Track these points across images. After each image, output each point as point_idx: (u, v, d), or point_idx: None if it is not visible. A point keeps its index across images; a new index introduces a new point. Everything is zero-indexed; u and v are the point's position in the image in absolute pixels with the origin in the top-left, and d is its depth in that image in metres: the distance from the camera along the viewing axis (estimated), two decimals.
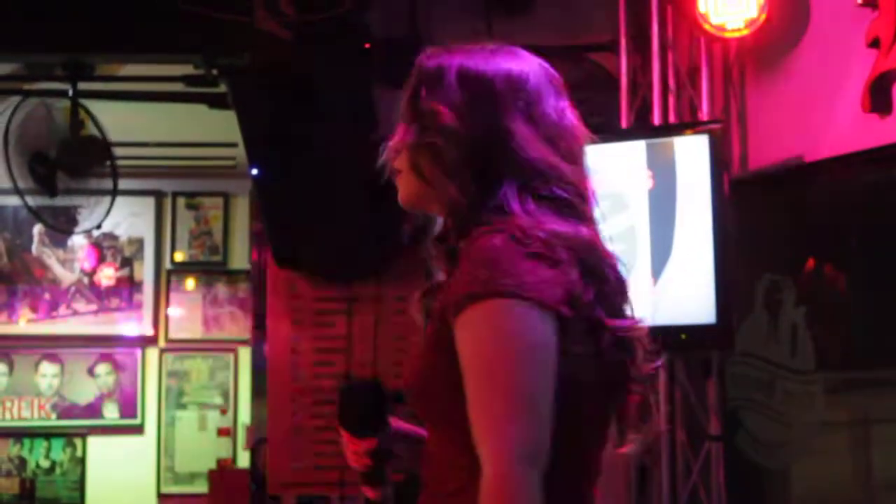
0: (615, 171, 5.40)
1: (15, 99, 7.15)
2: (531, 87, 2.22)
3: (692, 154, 5.23)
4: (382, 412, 2.37)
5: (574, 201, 2.16)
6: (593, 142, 2.28)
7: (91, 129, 6.88)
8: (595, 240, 2.16)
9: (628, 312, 2.17)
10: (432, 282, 2.26)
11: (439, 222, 2.28)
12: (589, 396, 2.09)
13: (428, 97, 2.21)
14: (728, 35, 5.21)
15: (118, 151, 7.17)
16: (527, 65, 2.27)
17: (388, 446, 2.37)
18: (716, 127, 5.27)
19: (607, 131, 5.67)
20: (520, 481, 1.90)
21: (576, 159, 2.22)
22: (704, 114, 5.43)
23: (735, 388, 5.39)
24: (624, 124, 5.67)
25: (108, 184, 6.98)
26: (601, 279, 2.10)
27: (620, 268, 2.18)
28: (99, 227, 7.17)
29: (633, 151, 5.37)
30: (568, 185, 2.17)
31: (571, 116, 2.26)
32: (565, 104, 2.26)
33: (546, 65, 2.30)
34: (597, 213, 2.22)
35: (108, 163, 6.98)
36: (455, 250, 2.17)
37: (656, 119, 5.56)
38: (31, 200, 7.02)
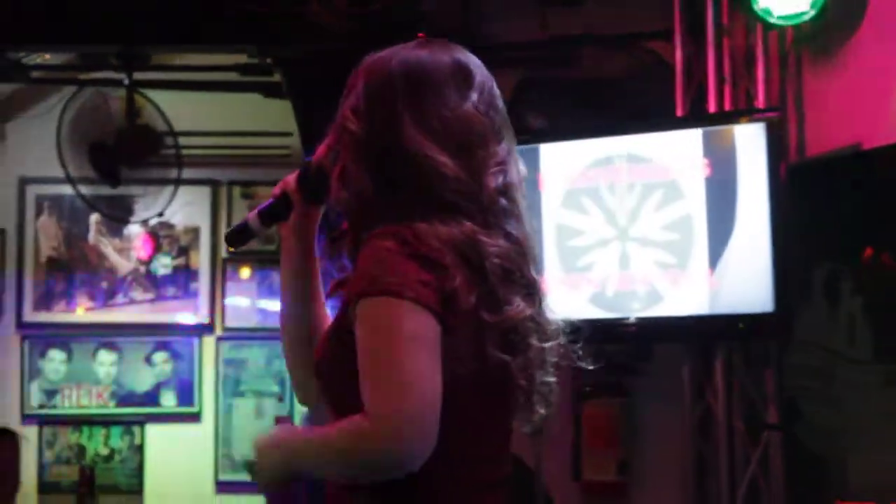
0: (670, 160, 5.38)
1: (70, 89, 7.21)
2: (430, 82, 2.31)
3: (749, 142, 5.20)
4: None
5: (460, 200, 2.26)
6: (497, 136, 2.34)
7: (150, 119, 6.93)
8: (477, 237, 2.24)
9: (516, 301, 2.28)
10: (346, 273, 2.39)
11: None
12: (476, 390, 2.24)
13: (344, 103, 2.37)
14: (784, 22, 5.18)
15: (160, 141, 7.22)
16: (434, 59, 2.34)
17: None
18: (773, 115, 5.24)
19: (662, 119, 5.66)
20: (386, 440, 2.07)
21: (467, 152, 2.29)
22: (760, 101, 5.40)
23: (793, 377, 5.36)
24: (679, 113, 5.65)
25: (170, 173, 7.04)
26: (485, 276, 2.23)
27: (502, 255, 2.26)
28: (161, 214, 7.22)
29: (689, 140, 5.35)
30: (457, 182, 2.25)
31: (470, 108, 2.31)
32: (470, 96, 2.32)
33: (462, 58, 2.37)
34: (492, 202, 2.29)
35: (174, 151, 7.03)
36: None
37: (712, 107, 5.53)
38: (92, 190, 7.08)
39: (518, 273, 2.31)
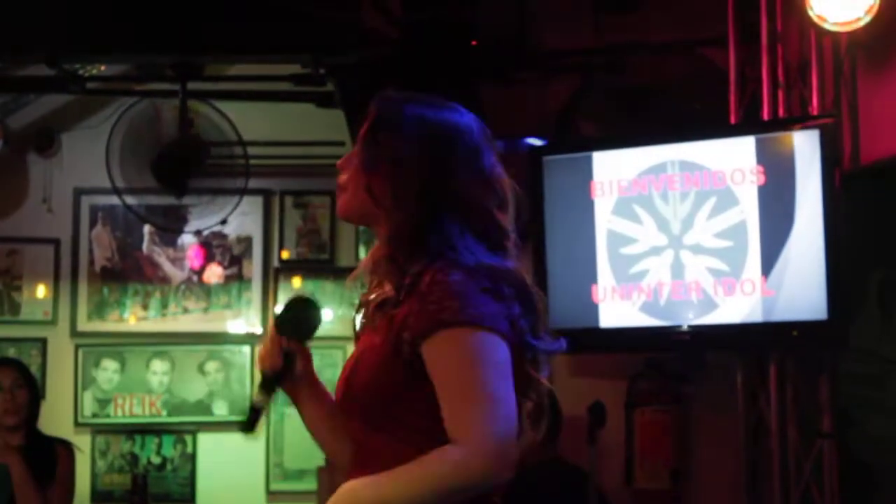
0: (723, 167, 5.37)
1: (125, 100, 7.27)
2: (473, 139, 2.55)
3: (803, 149, 5.18)
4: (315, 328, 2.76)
5: (503, 240, 2.53)
6: (516, 192, 2.60)
7: (212, 128, 6.98)
8: (524, 273, 2.52)
9: (544, 334, 2.52)
10: (383, 294, 2.54)
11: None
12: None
13: (387, 132, 2.54)
14: (838, 28, 5.15)
15: (225, 151, 7.26)
16: (469, 120, 2.59)
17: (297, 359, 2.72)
18: (827, 121, 5.23)
19: (716, 127, 5.65)
20: (486, 467, 2.25)
21: (503, 204, 2.55)
22: (814, 108, 5.38)
23: (847, 385, 5.33)
24: (732, 120, 5.64)
25: (236, 182, 7.09)
26: (532, 310, 2.49)
27: (537, 297, 2.52)
28: (224, 221, 7.25)
29: (742, 147, 5.34)
30: (497, 226, 2.53)
31: (500, 168, 2.58)
32: (495, 157, 2.58)
33: (481, 123, 2.62)
34: (515, 249, 2.57)
35: (242, 161, 7.08)
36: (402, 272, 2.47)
37: (766, 114, 5.52)
38: (142, 200, 7.14)
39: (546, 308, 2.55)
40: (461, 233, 2.46)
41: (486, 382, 2.29)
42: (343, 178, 2.60)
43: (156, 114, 7.08)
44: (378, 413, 2.45)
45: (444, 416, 2.31)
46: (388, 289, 2.52)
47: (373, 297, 2.56)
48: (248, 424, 2.68)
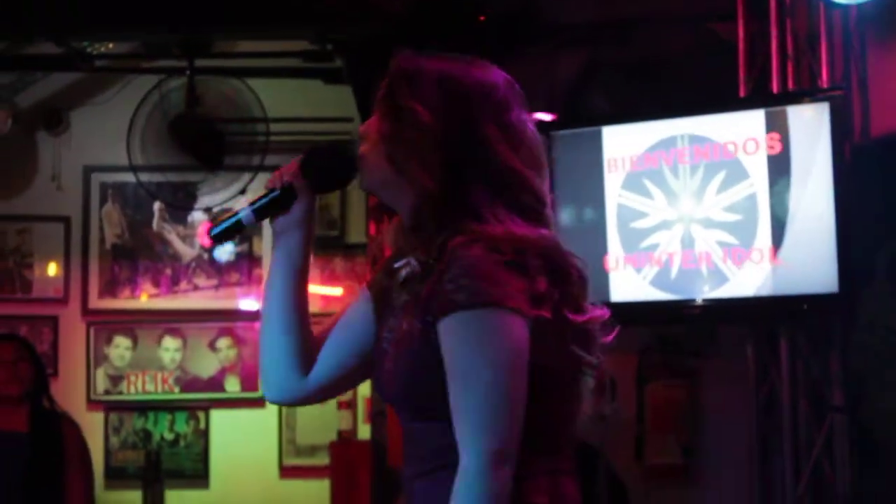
0: (733, 141, 5.36)
1: (132, 77, 7.29)
2: (500, 97, 2.39)
3: (812, 122, 5.16)
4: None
5: (537, 207, 2.38)
6: (546, 150, 2.46)
7: (238, 105, 7.03)
8: (558, 242, 2.38)
9: (588, 306, 2.38)
10: (408, 268, 2.39)
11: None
12: (557, 383, 2.33)
13: (406, 95, 2.37)
14: (848, 1, 5.13)
15: (234, 127, 7.27)
16: (497, 77, 2.43)
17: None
18: (837, 94, 5.20)
19: (725, 100, 5.63)
20: (496, 477, 2.15)
21: (537, 166, 2.40)
22: (824, 81, 5.35)
23: (858, 359, 5.32)
24: (742, 93, 5.61)
25: (252, 159, 7.13)
26: (566, 280, 2.33)
27: (580, 264, 2.39)
28: (244, 191, 7.26)
29: (752, 120, 5.32)
30: (531, 191, 2.37)
31: (532, 126, 2.43)
32: (527, 115, 2.43)
33: (511, 79, 2.46)
34: (552, 216, 2.43)
35: (263, 138, 7.12)
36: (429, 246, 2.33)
37: (775, 87, 5.49)
38: (154, 178, 7.17)
39: (585, 278, 2.40)
40: (491, 200, 2.32)
41: (490, 382, 2.18)
42: (364, 147, 2.44)
43: (184, 91, 7.09)
44: (418, 403, 2.34)
45: (451, 409, 2.21)
46: (413, 263, 2.38)
47: (399, 265, 2.42)
48: (218, 232, 2.49)
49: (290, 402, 2.68)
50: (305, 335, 2.55)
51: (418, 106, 2.35)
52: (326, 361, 2.56)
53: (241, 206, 2.52)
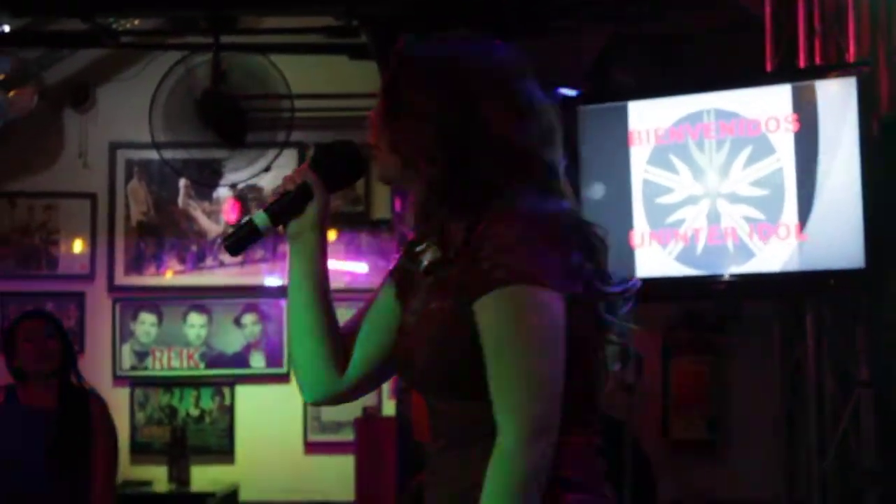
0: (759, 115, 5.35)
1: (158, 54, 7.30)
2: (502, 71, 2.37)
3: (839, 97, 5.15)
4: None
5: (551, 179, 2.36)
6: (561, 119, 2.41)
7: (263, 81, 7.05)
8: (580, 214, 2.38)
9: (611, 277, 2.38)
10: (432, 253, 2.39)
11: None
12: (588, 355, 2.32)
13: (406, 83, 2.36)
14: None
15: (258, 104, 7.29)
16: (499, 50, 2.41)
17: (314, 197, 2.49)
18: (864, 68, 5.18)
19: (752, 75, 5.62)
20: (537, 450, 2.16)
21: (548, 137, 2.37)
22: (851, 55, 5.34)
23: (885, 334, 5.31)
24: (768, 68, 5.60)
25: (277, 135, 7.16)
26: (594, 251, 2.34)
27: (600, 232, 2.37)
28: (269, 168, 7.28)
29: (778, 95, 5.31)
30: (542, 164, 2.35)
31: (541, 96, 2.39)
32: (534, 85, 2.39)
33: (517, 50, 2.43)
34: (567, 187, 2.40)
35: (288, 115, 7.14)
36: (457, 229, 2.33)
37: (802, 61, 5.48)
38: (180, 154, 7.20)
39: (607, 247, 2.39)
40: (506, 178, 2.30)
41: (531, 360, 2.19)
42: (371, 138, 2.43)
43: (208, 67, 7.11)
44: (448, 381, 2.33)
45: (491, 385, 2.20)
46: (435, 248, 2.38)
47: (420, 249, 2.43)
48: (233, 240, 2.46)
49: (331, 402, 2.63)
50: (334, 335, 2.52)
51: (414, 93, 2.34)
52: (360, 358, 2.54)
53: (254, 212, 2.49)
